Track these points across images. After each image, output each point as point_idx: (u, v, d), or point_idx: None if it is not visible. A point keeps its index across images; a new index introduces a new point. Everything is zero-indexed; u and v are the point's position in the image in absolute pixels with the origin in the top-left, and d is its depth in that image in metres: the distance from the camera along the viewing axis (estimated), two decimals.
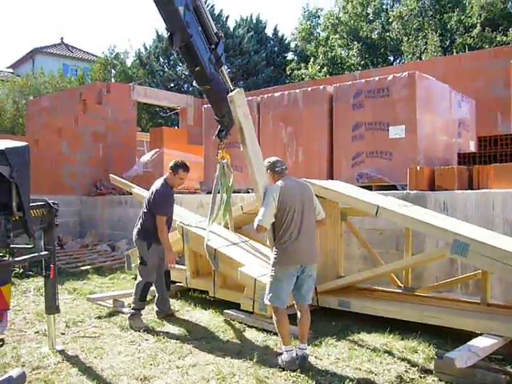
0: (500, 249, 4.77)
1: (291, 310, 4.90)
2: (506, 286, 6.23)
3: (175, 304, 6.91)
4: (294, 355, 4.54)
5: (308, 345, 4.90)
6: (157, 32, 25.84)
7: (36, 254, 4.74)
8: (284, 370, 4.46)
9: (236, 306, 6.17)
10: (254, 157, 5.18)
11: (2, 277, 3.37)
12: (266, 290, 4.76)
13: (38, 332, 5.67)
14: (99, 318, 6.33)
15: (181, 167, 6.06)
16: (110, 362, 4.73)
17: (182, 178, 6.15)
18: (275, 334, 5.42)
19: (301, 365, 4.51)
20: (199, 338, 5.44)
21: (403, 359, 4.71)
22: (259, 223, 4.56)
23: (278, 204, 4.59)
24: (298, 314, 4.75)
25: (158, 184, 6.11)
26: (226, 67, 6.36)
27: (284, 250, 4.60)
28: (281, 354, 4.65)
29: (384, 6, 27.11)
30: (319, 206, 4.99)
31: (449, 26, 23.52)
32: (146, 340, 5.38)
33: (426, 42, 22.81)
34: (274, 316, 4.68)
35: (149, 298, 7.12)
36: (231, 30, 25.85)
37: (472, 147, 9.37)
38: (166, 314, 6.26)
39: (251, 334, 5.53)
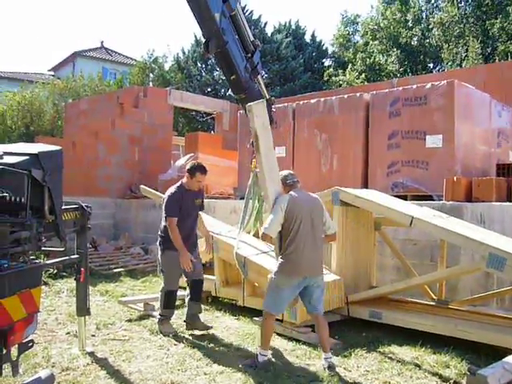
0: None
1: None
2: None
3: (204, 311, 6.91)
4: (267, 360, 4.77)
5: (337, 355, 4.89)
6: (195, 36, 26.06)
7: (67, 258, 4.78)
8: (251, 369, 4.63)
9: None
10: (268, 167, 5.19)
11: (32, 279, 3.41)
12: (265, 296, 4.91)
13: (69, 333, 5.73)
14: (130, 321, 6.37)
15: (198, 170, 5.80)
16: (139, 365, 4.75)
17: (199, 180, 5.81)
18: (304, 343, 5.40)
19: (331, 373, 4.54)
20: (228, 344, 5.43)
21: (434, 374, 4.60)
22: (265, 231, 4.70)
23: (286, 214, 4.69)
24: (316, 325, 4.90)
25: (171, 187, 6.05)
26: (262, 75, 6.35)
27: (289, 260, 4.69)
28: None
29: (424, 13, 26.75)
30: (329, 220, 5.10)
31: (491, 33, 23.05)
32: (175, 345, 5.39)
33: (467, 50, 22.39)
34: (264, 319, 4.87)
35: (179, 302, 7.18)
36: (269, 35, 25.90)
37: (511, 157, 9.13)
38: (196, 328, 5.93)
39: (280, 343, 5.49)
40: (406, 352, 5.18)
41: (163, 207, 5.83)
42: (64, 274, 8.90)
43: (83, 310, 5.15)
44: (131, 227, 12.60)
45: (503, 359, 4.37)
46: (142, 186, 9.75)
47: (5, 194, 3.11)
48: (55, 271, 8.89)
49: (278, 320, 5.84)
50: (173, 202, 5.74)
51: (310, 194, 5.09)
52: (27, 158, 3.43)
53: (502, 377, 4.05)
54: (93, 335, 5.66)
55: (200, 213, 6.16)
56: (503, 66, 13.22)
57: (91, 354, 5.02)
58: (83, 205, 4.97)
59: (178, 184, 5.96)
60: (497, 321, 5.54)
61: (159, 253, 5.95)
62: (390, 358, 5.01)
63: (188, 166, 5.93)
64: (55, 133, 22.12)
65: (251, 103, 5.30)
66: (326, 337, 4.82)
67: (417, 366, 4.82)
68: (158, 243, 6.00)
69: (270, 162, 5.24)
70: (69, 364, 4.71)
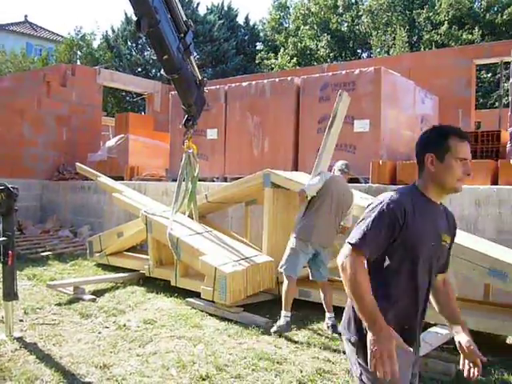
0: (456, 243, 4.91)
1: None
2: (460, 278, 6.42)
3: (137, 292, 6.90)
4: (289, 320, 5.23)
5: (269, 334, 5.14)
6: (125, 14, 25.44)
7: None
8: (277, 333, 5.11)
9: (199, 295, 6.18)
10: (329, 146, 5.71)
11: None
12: (282, 260, 5.37)
13: None
14: (59, 304, 6.26)
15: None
16: (70, 349, 4.70)
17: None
18: (236, 322, 5.52)
19: (335, 332, 5.17)
20: (160, 326, 5.45)
21: None
22: (306, 189, 5.23)
23: (323, 185, 5.24)
24: (322, 291, 5.46)
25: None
26: (194, 56, 6.32)
27: (307, 226, 5.25)
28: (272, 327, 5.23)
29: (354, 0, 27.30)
30: (351, 216, 5.60)
31: (417, 23, 23.85)
32: (107, 328, 5.36)
33: (395, 38, 23.08)
34: (285, 283, 5.30)
35: (107, 285, 7.14)
36: (202, 16, 25.62)
37: None
38: None
39: (213, 323, 5.57)
40: None
41: None
42: None
43: (10, 294, 5.01)
44: (59, 209, 12.27)
45: (423, 332, 4.66)
46: (77, 164, 9.54)
47: None
48: None
49: (210, 301, 5.94)
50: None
51: (349, 186, 5.69)
52: None
53: (422, 348, 4.30)
54: (21, 320, 5.52)
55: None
56: (427, 54, 13.75)
57: (19, 339, 4.90)
58: (9, 186, 4.82)
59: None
60: None
61: None
62: (319, 334, 5.22)
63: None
64: None
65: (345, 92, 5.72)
66: (331, 299, 5.41)
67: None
68: None
69: (331, 144, 5.72)
70: None
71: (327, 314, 5.37)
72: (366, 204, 5.71)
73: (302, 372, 4.22)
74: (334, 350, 4.77)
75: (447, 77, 11.17)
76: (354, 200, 5.61)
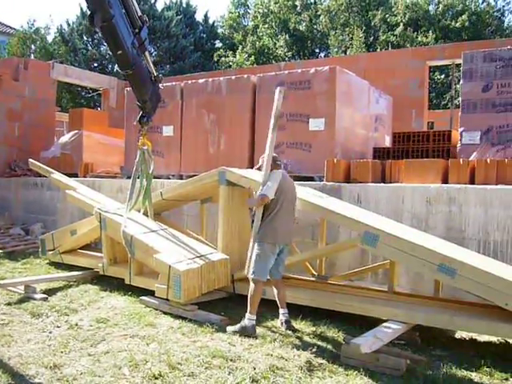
0: (406, 240, 5.05)
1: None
2: (411, 275, 6.58)
3: (90, 290, 6.80)
4: (254, 324, 5.16)
5: (224, 332, 5.16)
6: (81, 8, 24.92)
7: None
8: (241, 335, 5.04)
9: (153, 293, 6.12)
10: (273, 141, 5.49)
11: None
12: (250, 264, 5.27)
13: None
14: (9, 304, 6.10)
15: None
16: (19, 349, 4.58)
17: None
18: (190, 320, 5.50)
19: (288, 328, 5.29)
20: (113, 324, 5.38)
21: (313, 345, 4.87)
22: (267, 193, 5.14)
23: (279, 186, 5.22)
24: (275, 288, 5.51)
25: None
26: (149, 52, 6.26)
27: (272, 228, 5.21)
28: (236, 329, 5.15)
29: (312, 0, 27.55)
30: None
31: (373, 24, 24.24)
32: (58, 327, 5.26)
33: (352, 38, 23.40)
34: (252, 287, 5.23)
35: (59, 284, 7.00)
36: (159, 11, 25.35)
37: (387, 142, 9.76)
38: None
39: (166, 321, 5.54)
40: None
41: None
42: None
43: None
44: (11, 207, 11.95)
45: (375, 328, 4.76)
46: (30, 160, 9.33)
47: None
48: None
49: (164, 299, 5.90)
50: None
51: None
52: None
53: (374, 344, 4.40)
54: None
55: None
56: (382, 54, 14.01)
57: None
58: None
59: None
60: (371, 293, 5.96)
61: None
62: (273, 332, 5.25)
63: None
64: None
65: (283, 88, 5.65)
66: (285, 296, 5.51)
67: (297, 338, 5.09)
68: None
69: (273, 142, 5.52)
70: None
71: (281, 310, 5.42)
72: (319, 202, 5.80)
73: (255, 369, 4.22)
74: (288, 347, 4.81)
75: (401, 77, 11.43)
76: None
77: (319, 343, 4.95)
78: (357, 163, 7.45)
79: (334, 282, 6.44)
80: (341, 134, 8.10)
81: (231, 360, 4.44)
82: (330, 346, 4.87)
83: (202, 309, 5.80)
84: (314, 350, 4.74)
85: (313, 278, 6.60)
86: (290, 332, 5.23)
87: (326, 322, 5.44)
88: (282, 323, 5.37)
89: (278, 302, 5.51)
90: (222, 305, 6.13)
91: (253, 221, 5.41)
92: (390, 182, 7.20)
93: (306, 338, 5.08)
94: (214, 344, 4.83)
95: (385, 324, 4.93)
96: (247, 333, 5.07)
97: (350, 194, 7.09)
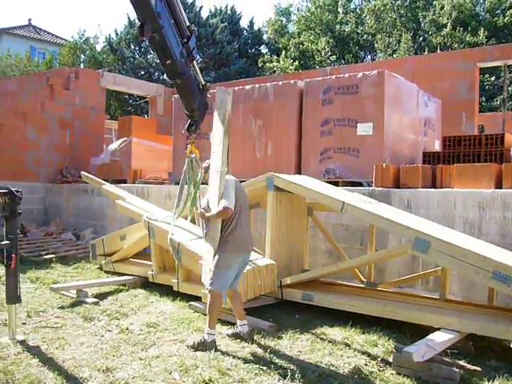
0: (459, 247, 4.91)
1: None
2: (464, 282, 6.41)
3: (139, 295, 6.90)
4: (215, 339, 4.91)
5: (272, 337, 5.15)
6: (128, 18, 25.50)
7: None
8: (200, 350, 4.77)
9: (202, 299, 6.15)
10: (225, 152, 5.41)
11: None
12: (208, 276, 5.02)
13: None
14: (62, 308, 6.26)
15: None
16: (72, 352, 4.69)
17: None
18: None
19: (251, 339, 5.09)
20: (163, 329, 5.45)
21: (363, 353, 4.81)
22: (229, 206, 4.85)
23: (235, 194, 5.00)
24: (233, 298, 5.24)
25: None
26: (197, 61, 6.31)
27: (234, 238, 4.97)
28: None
29: (354, 2, 27.40)
30: None
31: (422, 25, 23.84)
32: (110, 331, 5.36)
33: (399, 41, 23.07)
34: (210, 300, 4.97)
35: (110, 288, 7.14)
36: (204, 19, 25.66)
37: (437, 146, 9.56)
38: None
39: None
40: (336, 332, 5.38)
41: None
42: None
43: (13, 297, 5.01)
44: (62, 212, 12.29)
45: (426, 337, 4.65)
46: (83, 173, 9.61)
47: None
48: None
49: None
50: None
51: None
52: None
53: (426, 353, 4.31)
54: (23, 323, 5.53)
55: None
56: (431, 57, 13.73)
57: (22, 342, 4.91)
58: (12, 189, 4.83)
59: None
60: (421, 301, 5.85)
61: None
62: (322, 339, 5.20)
63: None
64: None
65: (228, 90, 5.57)
66: (242, 308, 5.29)
67: (347, 345, 5.02)
68: None
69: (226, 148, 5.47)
70: None
71: (240, 322, 5.22)
72: (368, 208, 5.70)
73: (305, 377, 4.21)
74: (337, 355, 4.75)
75: (450, 80, 11.18)
76: None
77: (369, 351, 4.87)
78: (406, 168, 7.32)
79: (384, 289, 6.34)
80: (389, 138, 7.98)
81: (280, 367, 4.43)
82: (380, 354, 4.78)
83: (250, 315, 5.79)
84: (364, 357, 4.68)
85: (362, 285, 6.52)
86: (339, 339, 5.16)
87: (375, 330, 5.34)
88: (241, 333, 5.16)
89: (236, 314, 5.28)
90: (270, 311, 6.12)
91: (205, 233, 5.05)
92: (441, 187, 7.04)
93: (356, 346, 5.01)
94: (263, 350, 4.83)
95: (437, 332, 4.81)
96: (206, 348, 4.79)
97: (400, 200, 6.96)
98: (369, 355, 4.75)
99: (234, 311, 5.31)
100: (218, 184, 5.03)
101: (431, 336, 4.69)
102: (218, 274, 4.95)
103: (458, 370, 4.20)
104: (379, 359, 4.64)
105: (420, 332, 5.07)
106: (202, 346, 4.81)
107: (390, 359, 4.55)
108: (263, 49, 29.01)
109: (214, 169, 5.20)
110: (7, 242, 4.83)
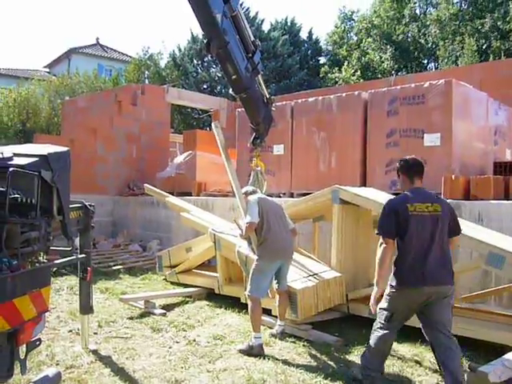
0: None
1: None
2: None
3: (205, 307, 6.97)
4: (262, 342, 5.15)
5: (338, 353, 5.09)
6: (191, 33, 26.03)
7: (74, 258, 4.84)
8: (248, 355, 5.00)
9: (268, 312, 6.14)
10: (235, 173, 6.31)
11: (42, 279, 3.45)
12: (248, 283, 5.43)
13: (71, 331, 5.76)
14: (131, 318, 6.41)
15: None
16: (142, 363, 4.80)
17: None
18: (306, 340, 5.46)
19: (281, 338, 5.52)
20: (229, 342, 5.48)
21: (435, 371, 4.66)
22: (251, 221, 5.30)
23: (260, 208, 5.38)
24: (278, 298, 5.64)
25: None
26: (262, 75, 6.36)
27: (268, 247, 5.36)
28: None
29: (418, 10, 26.84)
30: (288, 217, 5.89)
31: (484, 31, 23.13)
32: (177, 343, 5.44)
33: (463, 47, 22.46)
34: (252, 306, 5.29)
35: (176, 300, 7.25)
36: (266, 32, 25.90)
37: (508, 155, 9.21)
38: None
39: (282, 340, 5.54)
40: (406, 349, 5.25)
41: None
42: (63, 271, 8.93)
43: (87, 308, 5.19)
44: (129, 224, 12.63)
45: (503, 356, 4.44)
46: (146, 185, 9.84)
47: (16, 196, 3.14)
48: (55, 269, 8.90)
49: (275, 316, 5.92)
50: None
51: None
52: (37, 159, 3.47)
53: (503, 374, 4.11)
54: (95, 333, 5.70)
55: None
56: (499, 64, 13.29)
57: (94, 351, 5.06)
58: (86, 204, 5.00)
59: None
60: (495, 318, 5.61)
61: None
62: (391, 355, 5.04)
63: None
64: (51, 130, 22.10)
65: (215, 122, 6.22)
66: (285, 309, 5.68)
67: (417, 363, 4.89)
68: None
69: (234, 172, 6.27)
70: (73, 362, 4.75)
71: (279, 322, 5.66)
72: None
73: None
74: (408, 371, 4.63)
75: None
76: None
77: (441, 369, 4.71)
78: (477, 179, 7.07)
79: (455, 305, 6.10)
80: (458, 148, 7.75)
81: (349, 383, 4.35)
82: None
83: (316, 329, 5.75)
84: (436, 376, 4.54)
85: None
86: (409, 356, 5.02)
87: None
88: (277, 332, 5.61)
89: (278, 313, 5.72)
90: (336, 325, 6.04)
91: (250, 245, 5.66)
92: None
93: (427, 364, 4.86)
94: (330, 365, 4.77)
95: None
96: (254, 352, 5.04)
97: (471, 212, 6.73)
98: (441, 374, 4.58)
99: (277, 310, 5.68)
100: (241, 205, 5.79)
101: (508, 355, 4.47)
102: (254, 280, 5.35)
103: None
104: None
105: (494, 351, 4.85)
106: (251, 351, 5.05)
107: (464, 379, 4.37)
108: (322, 59, 28.93)
109: (240, 194, 5.91)
110: (83, 255, 5.00)
